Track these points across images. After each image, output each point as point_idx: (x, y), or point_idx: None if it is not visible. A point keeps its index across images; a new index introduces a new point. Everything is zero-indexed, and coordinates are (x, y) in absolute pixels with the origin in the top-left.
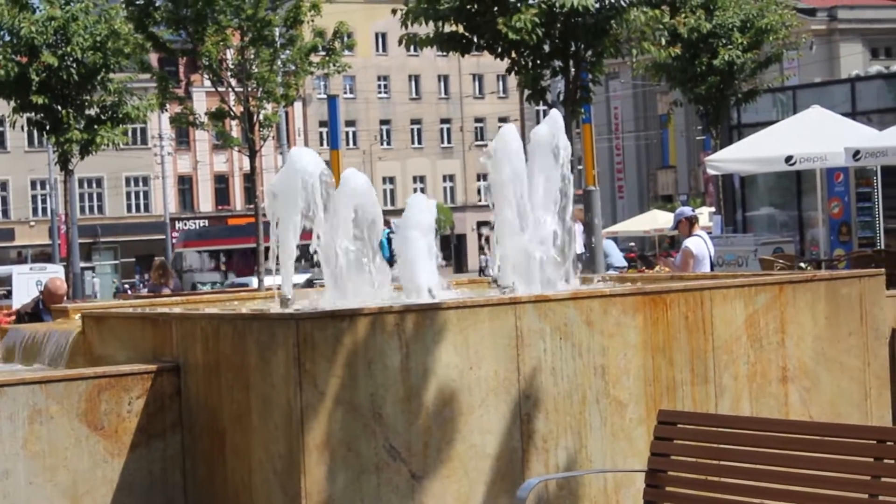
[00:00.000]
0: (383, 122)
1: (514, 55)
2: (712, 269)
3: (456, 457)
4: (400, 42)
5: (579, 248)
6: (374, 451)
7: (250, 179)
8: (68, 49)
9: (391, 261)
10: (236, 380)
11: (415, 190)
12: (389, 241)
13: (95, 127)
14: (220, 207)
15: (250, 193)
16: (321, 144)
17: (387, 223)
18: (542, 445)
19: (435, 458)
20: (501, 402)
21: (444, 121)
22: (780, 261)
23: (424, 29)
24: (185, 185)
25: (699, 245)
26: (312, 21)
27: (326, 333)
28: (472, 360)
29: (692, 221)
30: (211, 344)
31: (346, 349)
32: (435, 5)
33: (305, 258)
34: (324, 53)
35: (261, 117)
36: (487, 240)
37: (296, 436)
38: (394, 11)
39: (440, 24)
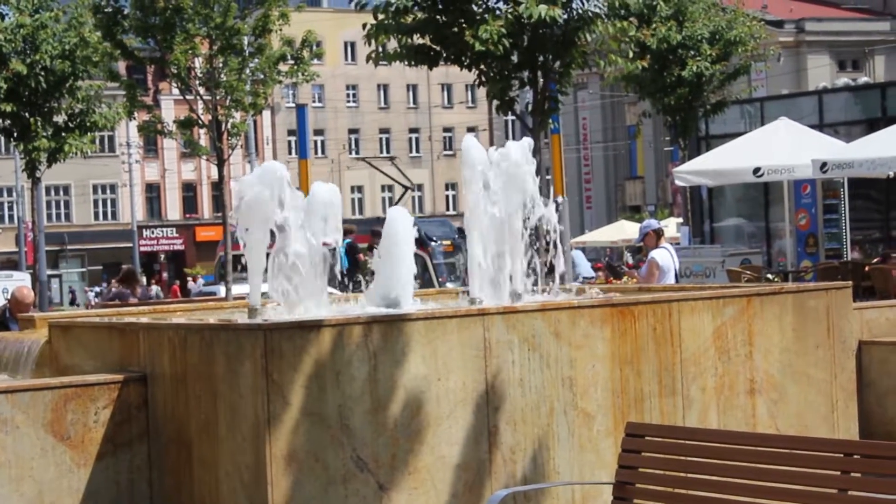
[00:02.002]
0: (352, 131)
1: (482, 66)
2: (677, 280)
3: (423, 468)
4: (368, 59)
5: (587, 272)
6: (342, 462)
7: (218, 188)
8: (37, 57)
9: (350, 271)
10: (203, 390)
11: (383, 199)
12: (349, 249)
13: (63, 135)
14: (187, 216)
15: (218, 202)
16: (289, 153)
17: (348, 232)
18: (510, 457)
19: (402, 469)
20: (469, 413)
21: (412, 130)
22: (748, 272)
23: (392, 42)
24: (153, 193)
25: (664, 257)
26: (281, 30)
27: (294, 344)
28: (440, 371)
29: (659, 234)
30: (178, 354)
31: (314, 360)
32: (402, 18)
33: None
34: (292, 62)
35: (229, 126)
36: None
37: (263, 447)
38: (364, 26)
39: (407, 37)
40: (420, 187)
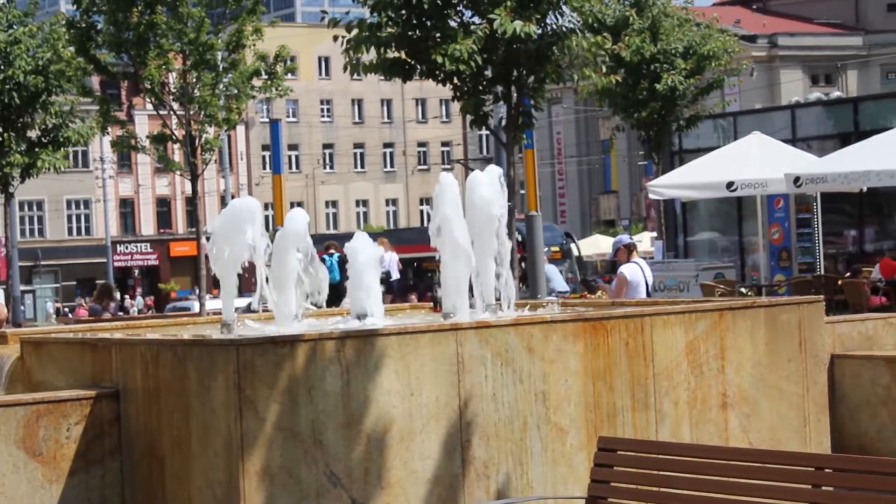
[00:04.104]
0: (326, 146)
1: (455, 81)
2: (649, 295)
3: (397, 483)
4: (344, 69)
5: (561, 286)
6: (315, 478)
7: (192, 203)
8: (10, 72)
9: (342, 283)
10: (176, 406)
11: (357, 214)
12: (341, 263)
13: (37, 150)
14: (161, 231)
15: (192, 217)
16: (264, 168)
17: (335, 247)
18: (483, 471)
19: (376, 484)
20: (442, 428)
21: (387, 145)
22: (721, 286)
23: (367, 55)
24: (127, 209)
25: (634, 272)
26: (254, 45)
27: (267, 359)
28: (412, 386)
29: (630, 249)
30: (151, 370)
31: (287, 375)
32: (377, 32)
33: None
34: (266, 77)
35: (203, 141)
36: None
37: (236, 462)
38: (335, 38)
39: (382, 49)
40: (394, 202)
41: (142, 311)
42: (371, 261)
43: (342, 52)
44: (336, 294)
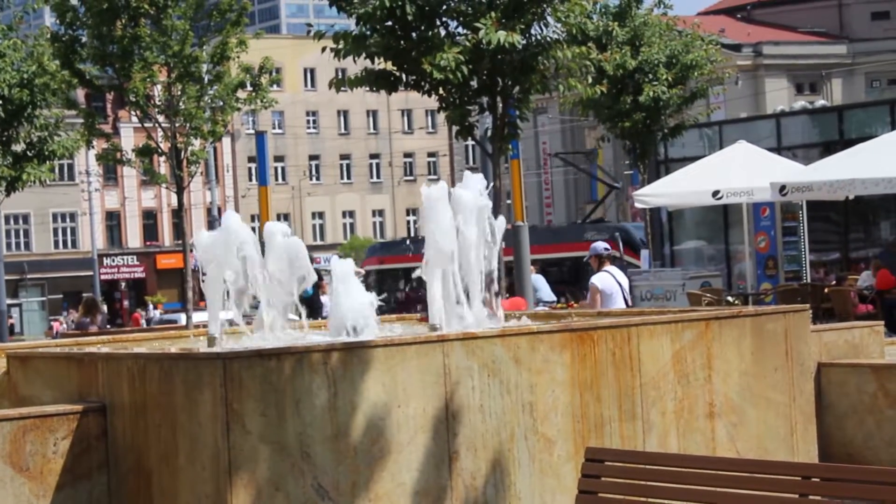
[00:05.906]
0: (312, 158)
1: (441, 92)
2: (627, 303)
3: (384, 495)
4: (330, 86)
5: (548, 296)
6: (303, 491)
7: (178, 215)
8: None
9: (313, 298)
10: (163, 420)
11: (344, 225)
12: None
13: (22, 163)
14: (148, 243)
15: (178, 229)
16: (250, 180)
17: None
18: (471, 483)
19: (363, 496)
20: (429, 439)
21: (373, 156)
22: (708, 295)
23: (354, 66)
24: (113, 221)
25: (605, 280)
26: (239, 57)
27: (254, 372)
28: (399, 398)
29: (601, 258)
30: (137, 384)
31: (274, 388)
32: (363, 43)
33: None
34: (251, 89)
35: (188, 153)
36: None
37: (223, 476)
38: (323, 49)
39: (368, 60)
40: (381, 213)
41: (101, 328)
42: (355, 276)
43: (332, 54)
44: (311, 308)
